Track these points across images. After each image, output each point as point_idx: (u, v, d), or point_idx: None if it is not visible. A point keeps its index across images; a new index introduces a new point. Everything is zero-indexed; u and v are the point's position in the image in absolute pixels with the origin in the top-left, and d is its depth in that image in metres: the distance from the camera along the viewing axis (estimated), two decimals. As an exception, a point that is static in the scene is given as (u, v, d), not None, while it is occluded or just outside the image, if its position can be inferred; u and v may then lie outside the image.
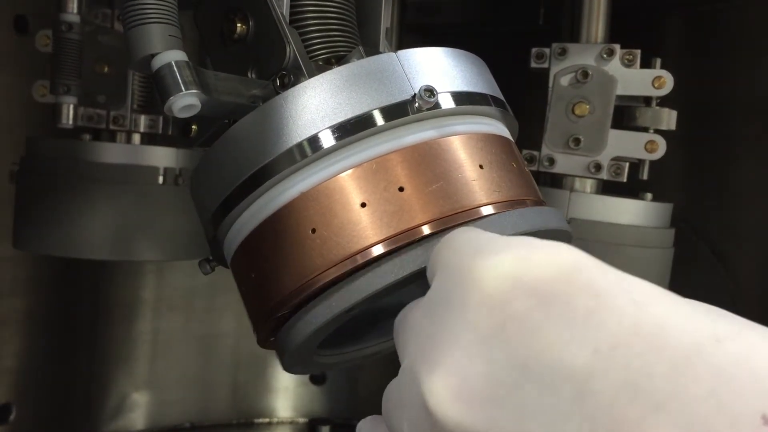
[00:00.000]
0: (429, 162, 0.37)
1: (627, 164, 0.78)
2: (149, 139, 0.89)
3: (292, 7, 0.45)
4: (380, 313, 0.42)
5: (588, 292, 0.26)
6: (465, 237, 0.31)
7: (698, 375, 0.23)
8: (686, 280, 0.79)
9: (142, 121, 0.87)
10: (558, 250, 0.28)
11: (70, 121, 0.78)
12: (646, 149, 0.77)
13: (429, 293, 0.31)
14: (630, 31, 0.81)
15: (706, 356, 0.23)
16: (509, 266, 0.27)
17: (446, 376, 0.27)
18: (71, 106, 0.78)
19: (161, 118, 0.87)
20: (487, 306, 0.27)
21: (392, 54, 0.38)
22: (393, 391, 0.31)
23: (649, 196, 0.80)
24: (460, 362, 0.27)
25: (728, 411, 0.22)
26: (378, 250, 0.35)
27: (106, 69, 0.85)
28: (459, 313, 0.28)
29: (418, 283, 0.35)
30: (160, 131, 0.88)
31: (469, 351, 0.27)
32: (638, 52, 0.77)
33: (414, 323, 0.31)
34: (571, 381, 0.24)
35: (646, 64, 0.77)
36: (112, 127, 0.86)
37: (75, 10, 0.78)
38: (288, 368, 0.41)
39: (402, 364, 0.31)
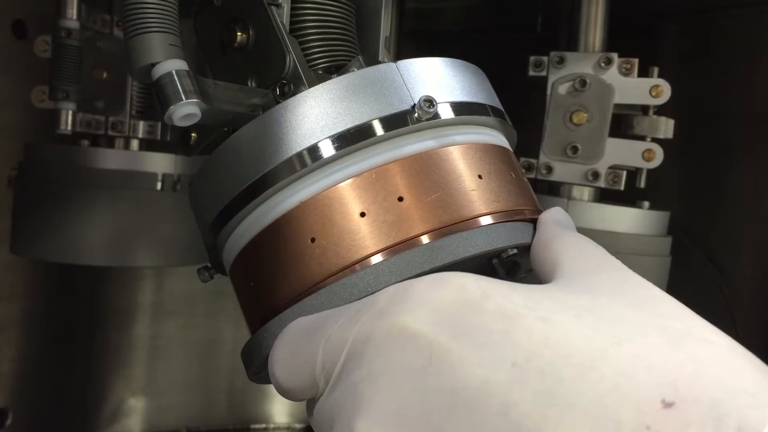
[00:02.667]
0: (428, 172, 0.37)
1: (624, 172, 0.78)
2: (148, 145, 0.89)
3: (292, 16, 0.45)
4: None
5: (498, 316, 0.29)
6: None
7: (603, 374, 0.26)
8: (683, 288, 0.79)
9: (141, 127, 0.88)
10: (464, 283, 0.30)
11: (69, 127, 0.79)
12: (643, 157, 0.77)
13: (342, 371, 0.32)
14: (628, 40, 0.81)
15: (608, 357, 0.26)
16: (424, 308, 0.30)
17: (380, 412, 0.29)
18: (70, 112, 0.78)
19: (160, 124, 0.88)
20: (411, 345, 0.29)
21: (392, 64, 0.39)
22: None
23: (646, 204, 0.80)
24: (393, 397, 0.28)
25: (632, 400, 0.25)
26: (377, 259, 0.35)
27: (104, 75, 0.85)
28: (381, 357, 0.29)
29: None
30: (159, 137, 0.89)
31: (400, 387, 0.28)
32: (636, 60, 0.77)
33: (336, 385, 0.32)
34: (495, 396, 0.27)
35: (643, 72, 0.77)
36: (110, 132, 0.86)
37: (74, 16, 0.79)
38: (253, 378, 0.42)
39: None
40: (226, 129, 0.43)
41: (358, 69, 0.42)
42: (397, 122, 0.37)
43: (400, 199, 0.36)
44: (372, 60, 0.48)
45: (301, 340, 0.33)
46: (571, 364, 0.26)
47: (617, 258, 0.35)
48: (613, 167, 0.78)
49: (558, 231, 0.37)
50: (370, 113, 0.37)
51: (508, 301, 0.29)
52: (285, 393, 0.35)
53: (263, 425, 1.24)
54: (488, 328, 0.28)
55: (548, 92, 0.79)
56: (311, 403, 0.34)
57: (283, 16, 0.44)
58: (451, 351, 0.28)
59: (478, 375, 0.27)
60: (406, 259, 0.35)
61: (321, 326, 0.33)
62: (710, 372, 0.25)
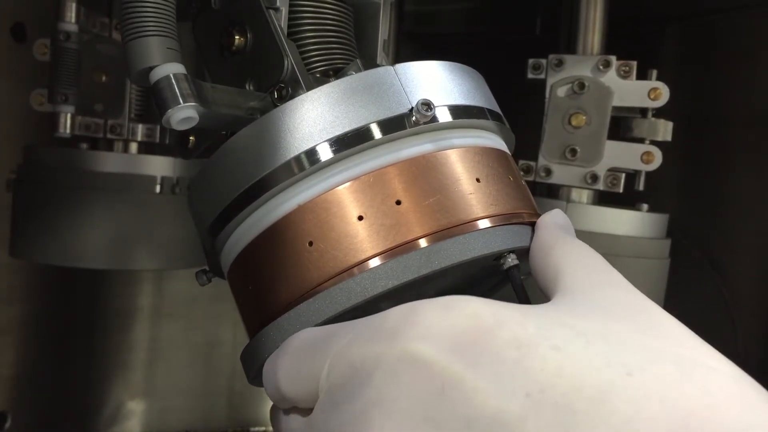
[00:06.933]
0: (426, 175, 0.37)
1: (623, 175, 0.78)
2: (146, 148, 0.89)
3: (290, 19, 0.45)
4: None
5: (512, 345, 0.28)
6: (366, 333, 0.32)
7: (614, 407, 0.26)
8: (683, 290, 0.80)
9: (140, 130, 0.88)
10: (477, 309, 0.30)
11: (68, 130, 0.79)
12: (642, 160, 0.77)
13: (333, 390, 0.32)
14: (626, 43, 0.81)
15: (619, 390, 0.26)
16: (437, 335, 0.29)
17: None
18: (69, 115, 0.78)
19: (158, 127, 0.88)
20: (424, 372, 0.29)
21: (389, 67, 0.39)
22: None
23: (645, 206, 0.80)
24: (405, 425, 0.28)
25: None
26: (374, 263, 0.35)
27: (103, 78, 0.85)
28: (392, 382, 0.29)
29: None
30: (158, 140, 0.89)
31: (412, 414, 0.28)
32: (634, 63, 0.77)
33: (330, 410, 0.32)
34: (509, 427, 0.27)
35: (642, 75, 0.77)
36: (109, 136, 0.86)
37: (73, 19, 0.79)
38: (253, 381, 0.41)
39: None
40: (224, 132, 0.43)
41: (356, 72, 0.42)
42: (394, 126, 0.37)
43: (398, 202, 0.36)
44: (370, 63, 0.48)
45: (308, 352, 0.33)
46: (583, 397, 0.26)
47: (617, 261, 0.35)
48: (611, 170, 0.78)
49: (558, 237, 0.36)
50: (368, 117, 0.37)
51: (522, 329, 0.29)
52: (281, 400, 0.35)
53: (263, 428, 1.24)
54: (502, 357, 0.28)
55: (547, 95, 0.80)
56: (291, 411, 0.34)
57: (281, 19, 0.44)
58: (464, 380, 0.28)
59: (492, 405, 0.27)
60: (404, 263, 0.35)
61: (328, 340, 0.33)
62: (721, 405, 0.25)
